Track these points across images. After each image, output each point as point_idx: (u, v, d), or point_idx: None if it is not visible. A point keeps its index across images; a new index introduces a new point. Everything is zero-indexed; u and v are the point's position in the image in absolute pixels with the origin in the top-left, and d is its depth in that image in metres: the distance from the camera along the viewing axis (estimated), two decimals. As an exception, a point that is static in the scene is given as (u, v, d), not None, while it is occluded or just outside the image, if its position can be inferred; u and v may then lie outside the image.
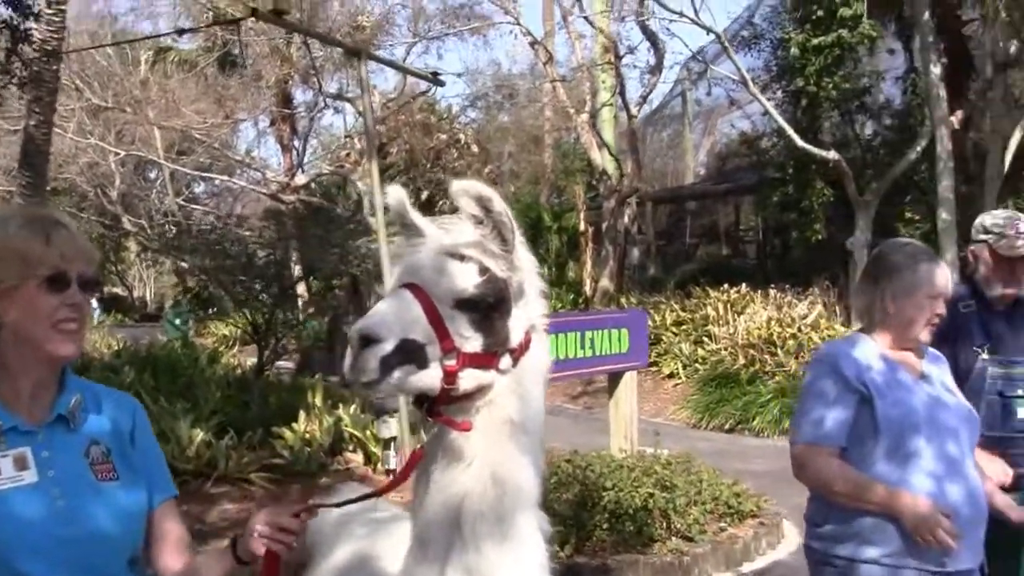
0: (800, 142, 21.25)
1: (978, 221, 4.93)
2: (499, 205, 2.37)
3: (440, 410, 2.37)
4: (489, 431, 2.38)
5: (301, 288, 19.34)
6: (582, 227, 29.50)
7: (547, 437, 2.58)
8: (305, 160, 30.84)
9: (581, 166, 33.74)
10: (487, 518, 2.36)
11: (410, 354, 2.26)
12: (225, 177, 31.24)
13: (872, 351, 3.85)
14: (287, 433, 11.34)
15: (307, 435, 11.38)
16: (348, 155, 30.00)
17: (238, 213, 29.28)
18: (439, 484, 2.39)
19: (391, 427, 11.09)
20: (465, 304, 2.34)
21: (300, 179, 29.46)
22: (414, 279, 2.36)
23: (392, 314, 2.29)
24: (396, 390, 2.30)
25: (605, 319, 11.00)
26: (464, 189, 2.39)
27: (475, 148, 30.90)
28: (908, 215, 23.18)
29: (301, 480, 10.68)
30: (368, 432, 11.70)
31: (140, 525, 2.63)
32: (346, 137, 31.85)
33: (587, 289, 27.70)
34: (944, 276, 3.88)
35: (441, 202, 29.42)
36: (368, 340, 2.23)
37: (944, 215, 19.38)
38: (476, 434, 2.37)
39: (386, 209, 2.60)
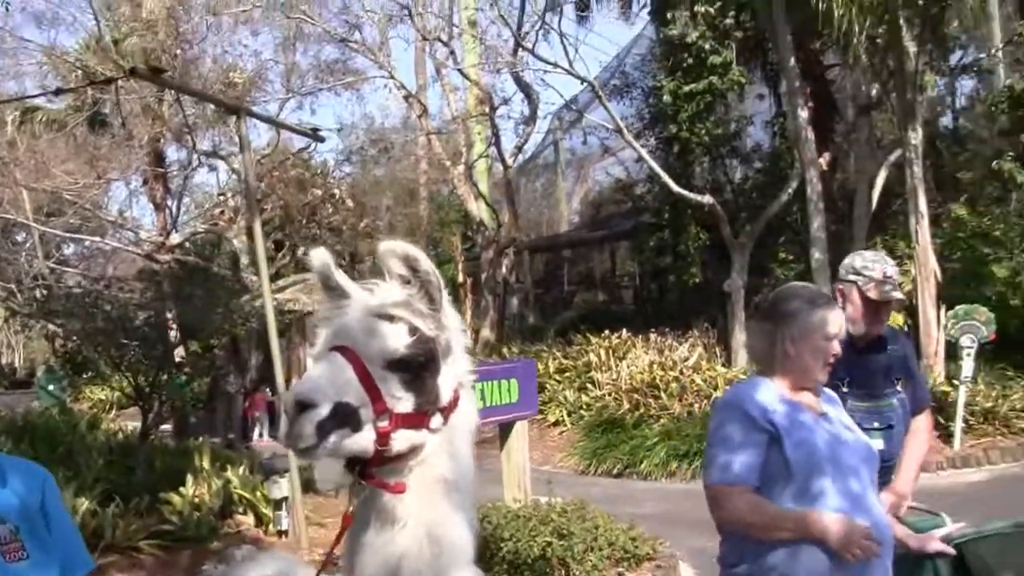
0: (675, 187, 21.59)
1: (848, 261, 5.09)
2: (426, 264, 2.38)
3: (373, 472, 2.36)
4: (422, 491, 2.37)
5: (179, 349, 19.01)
6: (460, 278, 29.61)
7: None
8: (179, 219, 30.32)
9: (457, 217, 33.91)
10: None
11: (345, 417, 2.25)
12: (97, 238, 30.60)
13: (773, 393, 3.89)
14: (175, 498, 11.10)
15: (196, 499, 11.16)
16: (223, 213, 29.64)
17: (111, 275, 28.60)
18: (374, 547, 2.36)
19: (282, 487, 10.95)
20: (396, 365, 2.34)
21: (175, 238, 28.99)
22: (344, 342, 2.35)
23: (325, 378, 2.27)
24: (332, 454, 2.28)
25: (494, 370, 10.99)
26: (391, 249, 2.39)
27: (350, 203, 30.80)
28: (782, 255, 23.66)
29: (191, 546, 10.46)
30: (258, 493, 11.54)
31: None
32: (220, 195, 31.45)
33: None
34: (840, 319, 3.98)
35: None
36: (303, 406, 2.21)
37: (817, 254, 19.87)
38: (410, 494, 2.36)
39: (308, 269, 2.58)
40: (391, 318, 2.38)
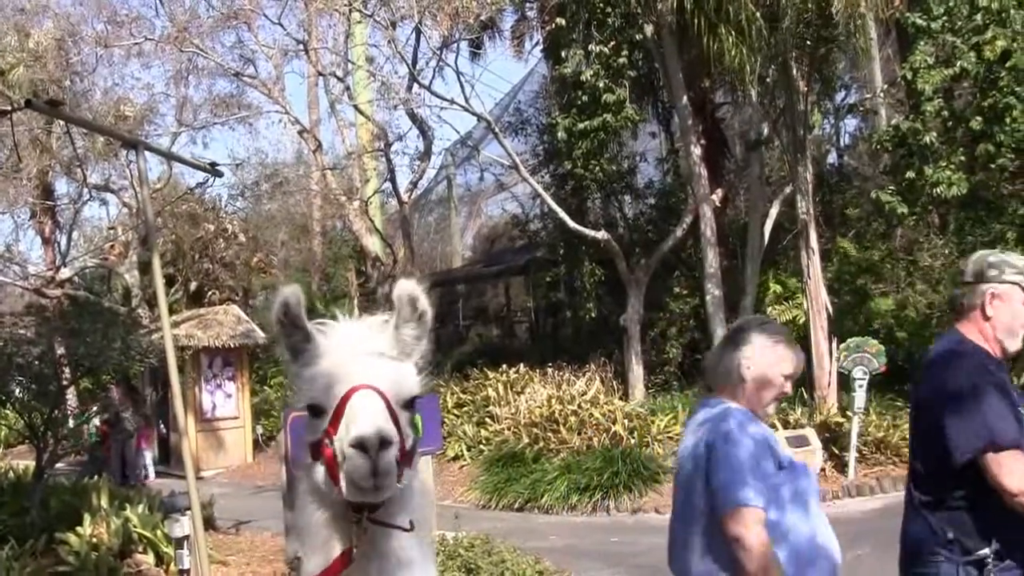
0: (570, 223, 21.76)
1: (996, 259, 4.28)
2: (423, 303, 2.45)
3: (379, 514, 2.33)
4: (417, 530, 2.38)
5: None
6: (356, 313, 29.42)
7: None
8: (69, 253, 29.78)
9: (350, 252, 33.74)
10: None
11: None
12: (-17, 273, 29.97)
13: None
14: (72, 538, 10.85)
15: (94, 539, 10.93)
16: (113, 247, 29.22)
17: (-2, 310, 28.00)
18: None
19: (183, 525, 10.76)
20: (408, 403, 2.36)
21: (64, 273, 28.49)
22: (370, 382, 2.30)
23: (384, 416, 2.23)
24: (395, 492, 2.27)
25: (397, 405, 10.94)
26: (407, 293, 2.45)
27: (243, 238, 30.57)
28: (677, 290, 23.97)
29: (91, 586, 10.25)
30: (159, 532, 11.34)
31: None
32: (110, 228, 31.00)
33: (364, 376, 27.50)
34: (799, 361, 4.11)
35: (211, 292, 28.97)
36: (386, 442, 2.18)
37: (712, 289, 20.18)
38: (402, 533, 2.35)
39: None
40: (394, 358, 2.40)
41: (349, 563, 2.33)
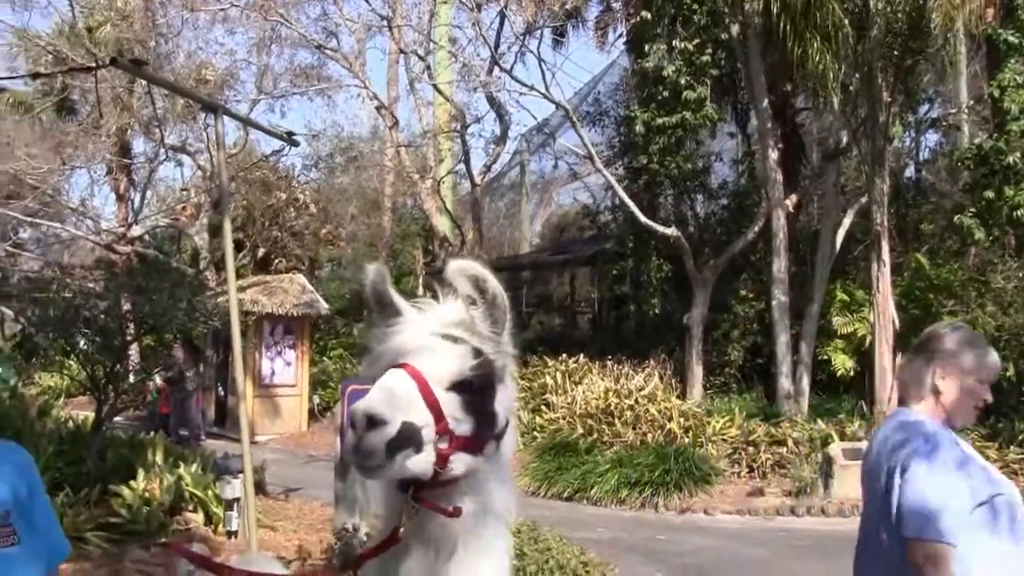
0: (641, 217, 21.69)
1: None
2: (493, 286, 2.31)
3: (426, 495, 2.28)
4: (470, 519, 2.31)
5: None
6: (420, 292, 29.49)
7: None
8: (141, 211, 30.12)
9: (418, 231, 33.82)
10: None
11: (410, 437, 2.18)
12: (56, 225, 30.34)
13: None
14: (125, 491, 11.01)
15: (146, 493, 11.07)
16: (185, 208, 29.52)
17: (68, 263, 28.37)
18: (417, 573, 2.31)
19: (234, 488, 10.88)
20: (459, 387, 2.28)
21: (135, 230, 28.81)
22: (408, 359, 2.29)
23: (394, 395, 2.20)
24: (398, 474, 2.22)
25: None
26: (461, 269, 2.32)
27: (313, 208, 30.71)
28: (743, 293, 23.80)
29: (139, 540, 10.36)
30: (210, 492, 11.45)
31: None
32: (183, 190, 31.30)
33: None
34: (997, 364, 3.93)
35: (278, 260, 29.16)
36: (374, 422, 2.15)
37: (778, 294, 19.99)
38: (461, 523, 2.29)
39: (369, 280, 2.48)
40: (455, 339, 2.33)
41: (396, 542, 2.30)
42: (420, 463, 2.21)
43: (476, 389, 2.31)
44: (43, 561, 2.49)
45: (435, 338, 2.33)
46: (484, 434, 2.33)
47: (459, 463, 2.27)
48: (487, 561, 2.33)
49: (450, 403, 2.26)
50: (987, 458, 14.30)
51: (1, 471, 2.49)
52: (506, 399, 2.42)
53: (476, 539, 2.32)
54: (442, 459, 2.23)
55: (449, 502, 2.29)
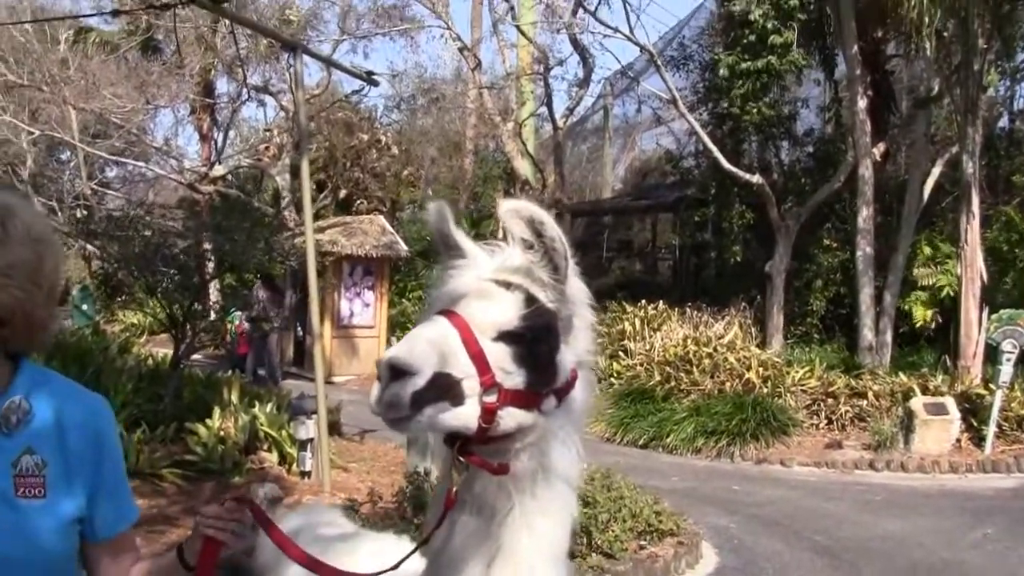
0: (725, 163, 21.44)
1: None
2: (552, 230, 2.14)
3: (473, 450, 2.15)
4: (527, 478, 2.18)
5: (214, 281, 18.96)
6: (501, 235, 29.44)
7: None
8: (224, 152, 30.34)
9: (500, 174, 33.73)
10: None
11: (444, 389, 2.03)
12: (141, 164, 30.67)
13: None
14: (201, 429, 11.09)
15: (221, 432, 11.13)
16: (267, 149, 29.67)
17: (153, 201, 28.68)
18: (468, 532, 2.19)
19: (308, 428, 10.92)
20: (509, 337, 2.12)
21: (218, 170, 29.02)
22: (453, 306, 2.14)
23: (428, 344, 2.05)
24: (428, 428, 2.07)
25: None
26: (515, 210, 2.15)
27: (395, 150, 30.71)
28: (826, 243, 23.41)
29: (214, 478, 10.45)
30: (284, 432, 11.51)
31: (61, 552, 2.38)
32: (266, 130, 31.49)
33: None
34: None
35: (359, 201, 29.24)
36: (399, 372, 1.99)
37: (863, 245, 19.65)
38: (513, 481, 2.16)
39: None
40: (508, 285, 2.16)
41: (452, 506, 2.19)
42: (461, 417, 2.06)
43: (530, 340, 2.13)
44: (70, 527, 2.38)
45: (488, 283, 2.17)
46: (540, 388, 2.15)
47: (509, 419, 2.10)
48: (545, 522, 2.19)
49: (498, 354, 2.09)
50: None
51: (63, 418, 2.38)
52: (573, 352, 2.26)
53: (533, 500, 2.18)
54: (488, 413, 2.07)
55: (502, 458, 2.16)
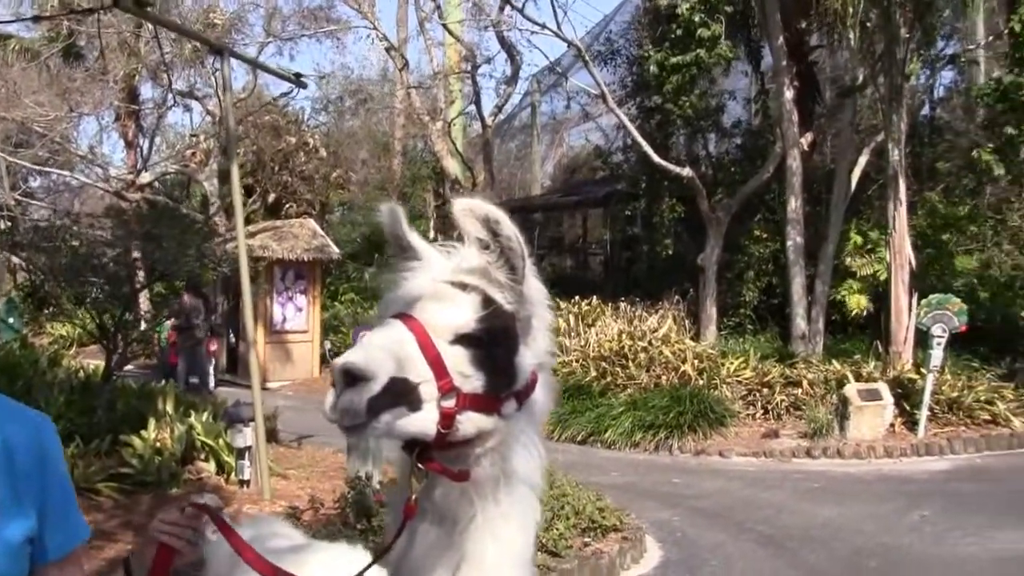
0: (655, 157, 21.52)
1: None
2: (508, 229, 2.08)
3: (433, 456, 2.09)
4: (488, 484, 2.14)
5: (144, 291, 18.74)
6: (432, 235, 29.40)
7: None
8: (150, 158, 30.02)
9: (429, 173, 33.69)
10: None
11: (401, 395, 1.98)
12: (65, 172, 30.26)
13: None
14: (136, 441, 10.92)
15: (157, 443, 10.98)
16: (194, 154, 29.39)
17: (78, 211, 28.28)
18: (430, 542, 2.13)
19: (245, 436, 10.81)
20: (466, 339, 2.08)
21: (145, 177, 28.71)
22: (408, 309, 2.10)
23: (383, 349, 2.00)
24: (385, 434, 2.02)
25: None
26: (470, 209, 2.10)
27: (323, 152, 30.53)
28: (757, 233, 23.58)
29: (151, 490, 10.31)
30: (221, 441, 11.38)
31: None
32: (192, 136, 31.19)
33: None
34: None
35: (288, 205, 29.05)
36: (354, 378, 1.94)
37: (793, 235, 19.83)
38: (474, 487, 2.12)
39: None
40: (464, 286, 2.12)
41: (413, 515, 2.13)
42: (418, 422, 2.01)
43: (487, 342, 2.09)
44: (18, 550, 2.30)
45: (444, 285, 2.13)
46: (500, 392, 2.11)
47: (469, 423, 2.06)
48: (509, 528, 2.14)
49: (456, 357, 2.06)
50: (1003, 399, 14.23)
51: (14, 443, 2.30)
52: (533, 353, 2.22)
53: (496, 506, 2.13)
54: (447, 418, 2.03)
55: (462, 465, 2.12)
